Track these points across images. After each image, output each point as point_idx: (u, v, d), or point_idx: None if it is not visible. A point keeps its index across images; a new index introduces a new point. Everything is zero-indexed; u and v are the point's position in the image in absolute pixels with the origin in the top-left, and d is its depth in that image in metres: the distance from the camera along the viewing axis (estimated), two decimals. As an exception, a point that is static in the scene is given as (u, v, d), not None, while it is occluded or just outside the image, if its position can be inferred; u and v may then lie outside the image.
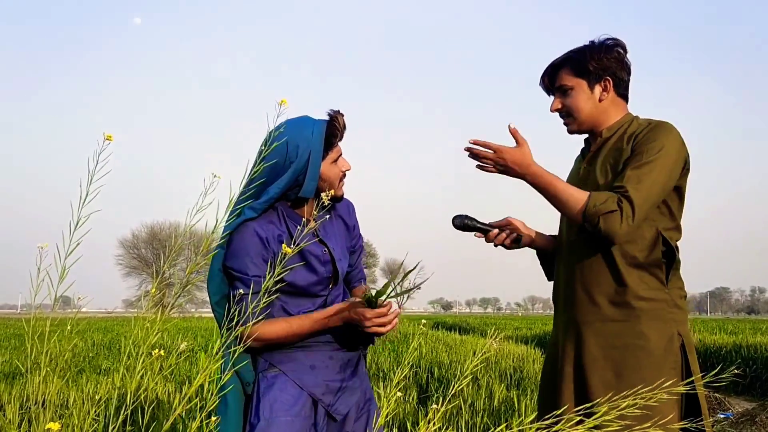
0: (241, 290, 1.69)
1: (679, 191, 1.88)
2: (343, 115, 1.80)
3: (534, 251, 2.20)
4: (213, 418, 1.33)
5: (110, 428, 1.23)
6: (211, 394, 1.56)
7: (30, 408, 1.33)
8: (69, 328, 1.17)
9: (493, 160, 1.84)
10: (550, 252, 2.15)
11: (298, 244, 1.71)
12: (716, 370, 1.39)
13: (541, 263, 2.22)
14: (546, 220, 2.38)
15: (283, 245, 1.55)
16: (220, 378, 1.73)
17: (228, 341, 1.53)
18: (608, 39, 1.95)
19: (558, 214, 2.02)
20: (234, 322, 1.55)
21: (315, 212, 1.76)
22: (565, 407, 1.69)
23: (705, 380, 1.32)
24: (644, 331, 1.78)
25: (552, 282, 2.12)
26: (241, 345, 1.54)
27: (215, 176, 1.38)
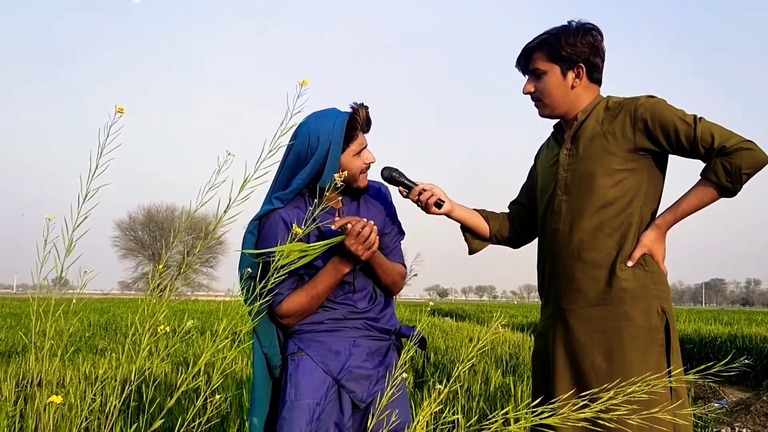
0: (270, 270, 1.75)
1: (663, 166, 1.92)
2: (366, 108, 1.85)
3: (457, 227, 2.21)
4: (217, 396, 1.32)
5: (109, 406, 1.22)
6: (208, 374, 1.55)
7: (26, 386, 1.32)
8: (74, 302, 1.15)
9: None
10: (471, 226, 2.17)
11: (318, 226, 1.78)
12: (725, 361, 1.38)
13: (464, 236, 2.23)
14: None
15: (293, 225, 1.57)
16: (253, 360, 1.84)
17: (256, 319, 1.63)
18: (585, 23, 1.93)
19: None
20: (258, 299, 1.59)
21: (339, 198, 1.82)
22: (569, 394, 1.69)
23: (711, 371, 1.31)
24: (628, 312, 1.80)
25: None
26: (258, 318, 1.56)
27: (229, 154, 1.35)
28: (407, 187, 2.05)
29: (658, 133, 1.81)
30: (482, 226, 2.19)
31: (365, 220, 1.73)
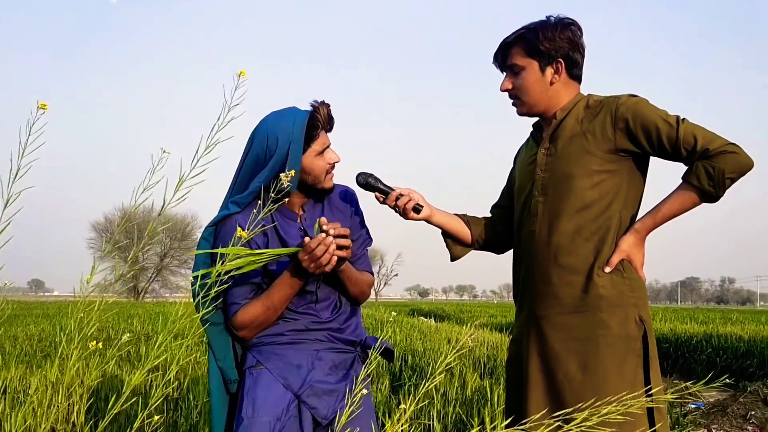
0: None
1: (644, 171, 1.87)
2: (328, 106, 1.76)
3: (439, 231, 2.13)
4: (156, 417, 1.23)
5: (46, 418, 1.12)
6: (179, 381, 1.46)
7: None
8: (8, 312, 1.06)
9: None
10: (451, 231, 2.09)
11: (278, 232, 1.71)
12: (708, 378, 1.33)
13: (445, 242, 2.14)
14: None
15: (238, 229, 1.48)
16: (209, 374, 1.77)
17: (205, 326, 1.58)
18: (564, 18, 1.88)
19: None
20: (206, 311, 1.53)
21: (302, 203, 1.72)
22: (542, 413, 1.63)
23: (699, 384, 1.26)
24: (604, 320, 1.73)
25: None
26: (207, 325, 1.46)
27: (164, 151, 1.27)
28: (384, 193, 1.97)
29: (640, 133, 1.75)
30: (463, 232, 2.10)
31: (325, 237, 1.60)
